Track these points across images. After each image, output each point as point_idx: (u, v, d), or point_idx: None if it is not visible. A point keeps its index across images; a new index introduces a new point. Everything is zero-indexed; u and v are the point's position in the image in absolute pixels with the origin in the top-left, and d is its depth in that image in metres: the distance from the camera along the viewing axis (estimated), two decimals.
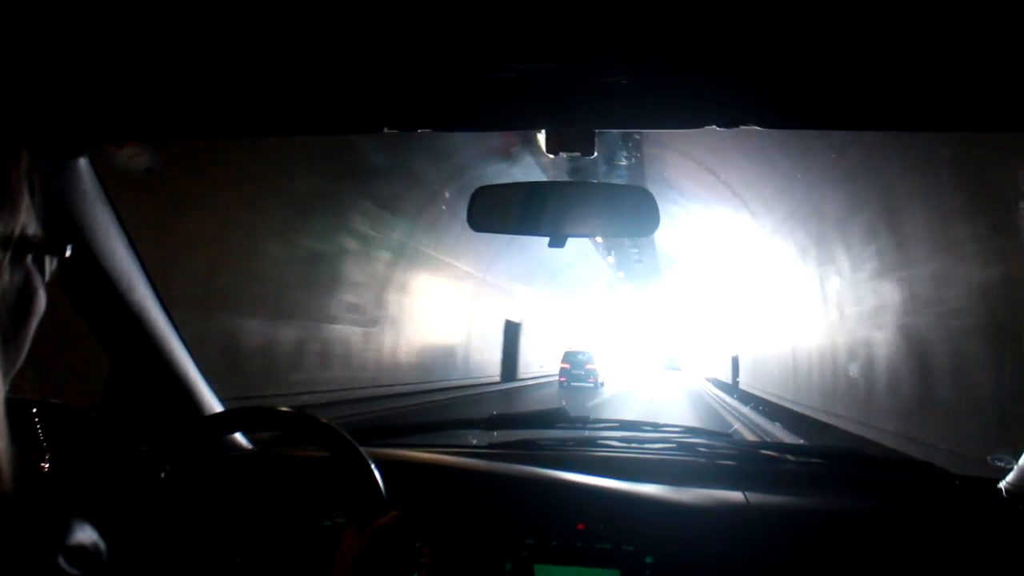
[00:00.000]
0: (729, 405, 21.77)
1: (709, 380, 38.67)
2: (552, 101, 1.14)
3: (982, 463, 1.56)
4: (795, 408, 15.10)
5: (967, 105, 1.12)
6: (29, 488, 0.84)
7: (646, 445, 1.82)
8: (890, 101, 1.13)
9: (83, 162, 1.34)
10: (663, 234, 24.83)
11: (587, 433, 1.93)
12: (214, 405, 1.71)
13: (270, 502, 1.46)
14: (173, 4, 0.93)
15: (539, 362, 34.08)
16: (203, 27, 0.98)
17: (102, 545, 0.74)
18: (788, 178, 11.32)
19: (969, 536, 1.33)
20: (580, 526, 1.35)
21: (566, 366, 30.89)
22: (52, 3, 0.93)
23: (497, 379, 27.14)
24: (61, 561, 0.66)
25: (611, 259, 34.57)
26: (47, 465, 1.40)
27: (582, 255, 29.94)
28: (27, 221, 0.81)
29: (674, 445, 1.81)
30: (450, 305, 21.25)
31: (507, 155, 15.41)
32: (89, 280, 1.41)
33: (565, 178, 16.62)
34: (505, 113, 1.22)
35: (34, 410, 1.38)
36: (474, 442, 1.97)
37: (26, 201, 0.81)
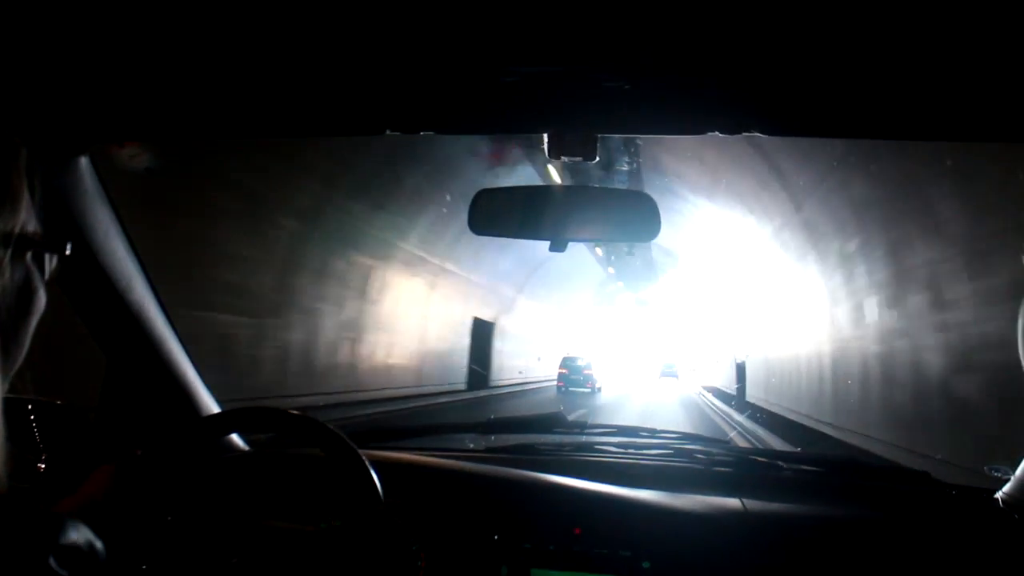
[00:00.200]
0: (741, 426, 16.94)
1: (707, 389, 35.56)
2: (555, 105, 1.14)
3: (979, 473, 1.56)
4: (843, 436, 11.13)
5: (969, 115, 1.12)
6: (26, 488, 0.84)
7: (643, 451, 1.82)
8: (891, 110, 1.14)
9: (84, 161, 1.34)
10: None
11: (584, 438, 1.93)
12: (211, 406, 1.71)
13: (267, 503, 1.46)
14: (177, 4, 0.93)
15: (519, 367, 31.22)
16: (205, 27, 0.98)
17: (98, 545, 0.74)
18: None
19: (965, 546, 1.33)
20: (577, 531, 1.35)
21: (564, 371, 30.70)
22: (53, 3, 0.93)
23: (461, 387, 23.39)
24: (52, 562, 0.66)
25: (599, 251, 31.84)
26: (43, 465, 1.40)
27: (568, 247, 27.44)
28: (27, 219, 0.81)
29: (671, 451, 1.80)
30: (395, 296, 17.40)
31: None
32: (88, 279, 1.41)
33: (560, 174, 16.69)
34: (508, 116, 1.22)
35: (31, 408, 1.38)
36: (471, 446, 1.97)
37: (26, 200, 0.81)
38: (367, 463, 1.21)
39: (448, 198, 15.85)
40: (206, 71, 1.10)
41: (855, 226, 10.34)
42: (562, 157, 1.18)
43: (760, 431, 15.03)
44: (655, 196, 1.31)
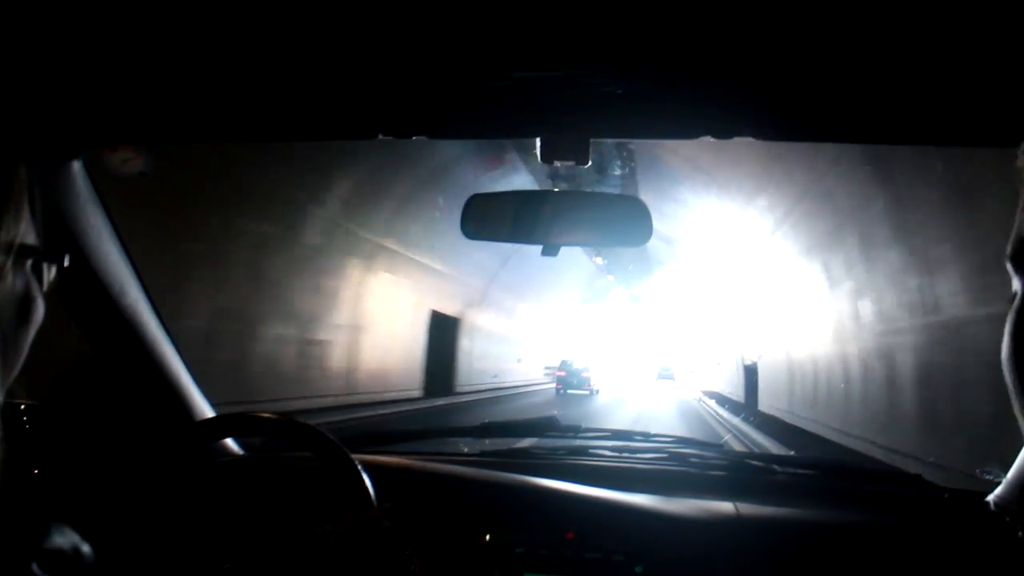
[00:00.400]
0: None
1: (708, 395, 30.89)
2: (547, 109, 1.15)
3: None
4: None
5: (958, 120, 1.13)
6: (18, 492, 0.84)
7: (637, 455, 1.83)
8: (883, 114, 1.14)
9: (76, 165, 1.34)
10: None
11: (578, 442, 1.92)
12: (205, 410, 1.71)
13: (260, 508, 1.46)
14: (167, 7, 0.93)
15: (493, 369, 27.95)
16: (197, 30, 0.98)
17: (85, 549, 0.74)
18: None
19: (957, 549, 1.33)
20: (569, 535, 1.35)
21: (562, 374, 31.38)
22: (43, 7, 0.93)
23: (416, 393, 19.62)
24: (35, 567, 0.65)
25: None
26: (37, 469, 1.39)
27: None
28: (27, 230, 0.81)
29: (665, 455, 1.81)
30: (310, 278, 13.50)
31: None
32: (82, 283, 1.41)
33: (551, 177, 16.11)
34: (500, 121, 1.22)
35: (23, 411, 1.38)
36: (465, 450, 1.97)
37: (27, 210, 0.81)
38: (360, 467, 1.21)
39: (388, 153, 12.44)
40: (197, 74, 1.10)
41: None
42: (555, 161, 1.19)
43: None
44: (651, 183, 1.31)
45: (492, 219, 1.38)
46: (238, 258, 11.24)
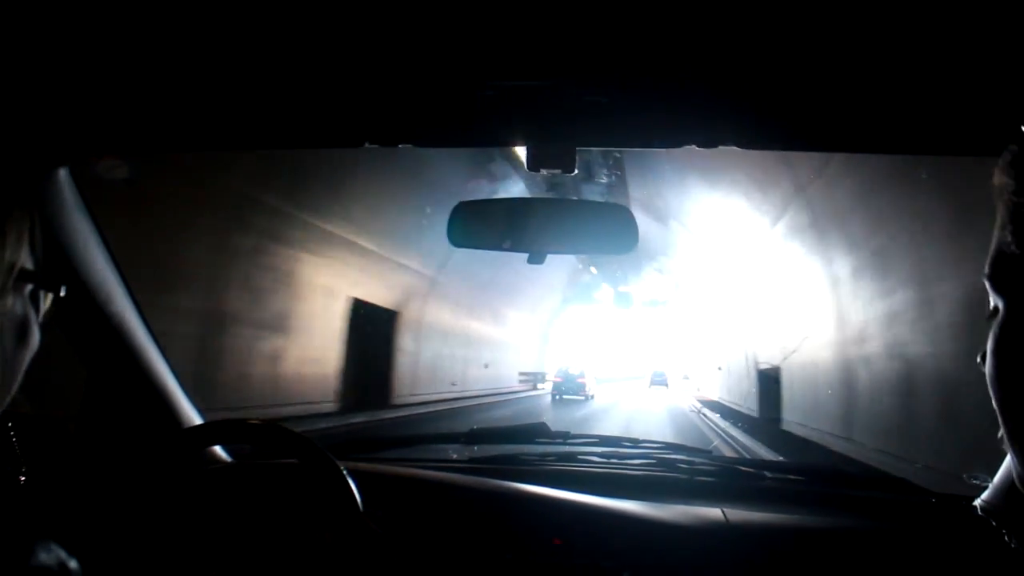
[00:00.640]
0: None
1: (706, 404, 26.96)
2: (534, 119, 1.15)
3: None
4: None
5: (943, 129, 1.14)
6: (3, 508, 0.84)
7: (626, 461, 1.83)
8: (866, 123, 1.15)
9: (63, 173, 1.33)
10: (645, 215, 18.97)
11: (567, 448, 1.93)
12: (193, 417, 1.70)
13: (248, 515, 1.45)
14: (151, 17, 0.93)
15: (450, 376, 23.62)
16: (182, 39, 0.98)
17: (72, 565, 0.73)
18: None
19: (944, 553, 1.34)
20: (557, 541, 1.35)
21: (558, 380, 31.33)
22: (27, 17, 0.93)
23: (330, 407, 14.80)
24: None
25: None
26: (23, 478, 1.38)
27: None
28: (27, 255, 0.82)
29: (654, 461, 1.81)
30: (163, 247, 8.78)
31: None
32: (68, 291, 1.40)
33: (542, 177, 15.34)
34: (487, 130, 1.22)
35: (10, 419, 1.37)
36: (454, 456, 1.97)
37: (27, 234, 0.82)
38: (346, 475, 1.21)
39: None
40: (182, 84, 1.10)
41: None
42: (541, 170, 1.19)
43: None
44: (640, 164, 1.24)
45: (478, 227, 1.38)
46: None
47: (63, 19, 0.94)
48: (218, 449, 1.73)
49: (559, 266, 29.40)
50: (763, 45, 0.95)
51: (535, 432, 1.94)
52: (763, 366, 17.70)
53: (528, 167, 1.19)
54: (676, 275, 28.56)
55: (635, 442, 1.97)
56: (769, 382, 16.82)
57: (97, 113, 1.20)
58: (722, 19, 0.90)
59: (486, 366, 28.44)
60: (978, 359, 0.72)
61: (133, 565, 1.30)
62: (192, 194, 9.24)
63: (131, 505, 1.27)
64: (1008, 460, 1.33)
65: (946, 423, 7.78)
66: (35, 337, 0.86)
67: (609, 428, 18.47)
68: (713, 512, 1.43)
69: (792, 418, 14.84)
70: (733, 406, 23.20)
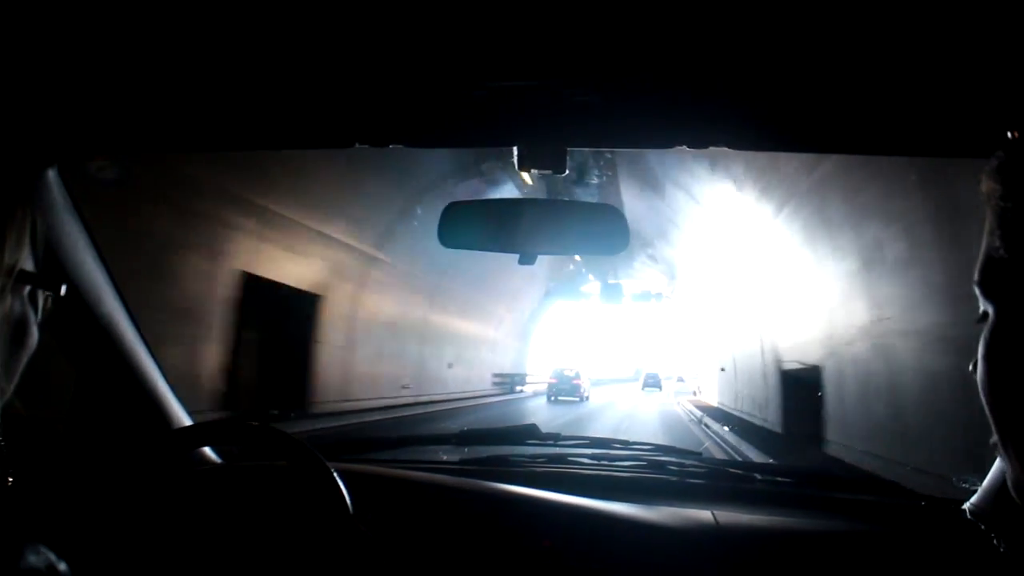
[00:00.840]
0: None
1: (704, 410, 23.77)
2: (524, 119, 1.15)
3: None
4: None
5: (936, 131, 1.14)
6: None
7: (616, 463, 1.83)
8: (858, 124, 1.15)
9: (52, 174, 1.33)
10: (640, 204, 17.86)
11: (557, 450, 1.93)
12: (182, 418, 1.69)
13: (238, 517, 1.45)
14: (142, 17, 0.93)
15: (398, 377, 19.60)
16: (172, 39, 0.98)
17: (62, 568, 0.73)
18: None
19: (933, 557, 1.34)
20: (547, 543, 1.35)
21: (553, 381, 31.35)
22: (15, 17, 0.93)
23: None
24: None
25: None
26: (11, 479, 1.38)
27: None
28: (27, 256, 0.81)
29: (644, 463, 1.81)
30: None
31: None
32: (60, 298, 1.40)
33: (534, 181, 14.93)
34: (477, 130, 1.22)
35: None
36: (444, 458, 1.96)
37: (28, 235, 0.82)
38: (336, 476, 1.21)
39: None
40: (172, 84, 1.10)
41: None
42: (532, 170, 1.19)
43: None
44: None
45: (469, 227, 1.38)
46: None
47: (52, 19, 0.93)
48: (207, 450, 1.73)
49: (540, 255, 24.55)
50: (754, 46, 0.95)
51: (526, 434, 1.94)
52: (789, 366, 13.27)
53: (518, 167, 1.19)
54: (672, 263, 24.57)
55: (625, 444, 1.98)
56: (799, 387, 12.29)
57: (87, 113, 1.20)
58: (714, 20, 0.90)
59: (450, 366, 24.50)
60: (970, 367, 0.72)
61: (123, 567, 1.29)
62: None
63: (120, 507, 1.26)
64: (997, 464, 1.34)
65: None
66: (33, 337, 0.86)
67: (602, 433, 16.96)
68: (703, 514, 1.43)
69: (844, 440, 10.26)
70: (742, 415, 18.50)
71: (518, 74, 1.03)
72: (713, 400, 27.65)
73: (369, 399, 17.00)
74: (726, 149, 1.18)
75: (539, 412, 22.62)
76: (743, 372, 19.73)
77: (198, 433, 1.36)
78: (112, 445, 1.60)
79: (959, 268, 7.17)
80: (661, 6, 0.88)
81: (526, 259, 1.33)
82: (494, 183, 17.35)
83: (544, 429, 1.95)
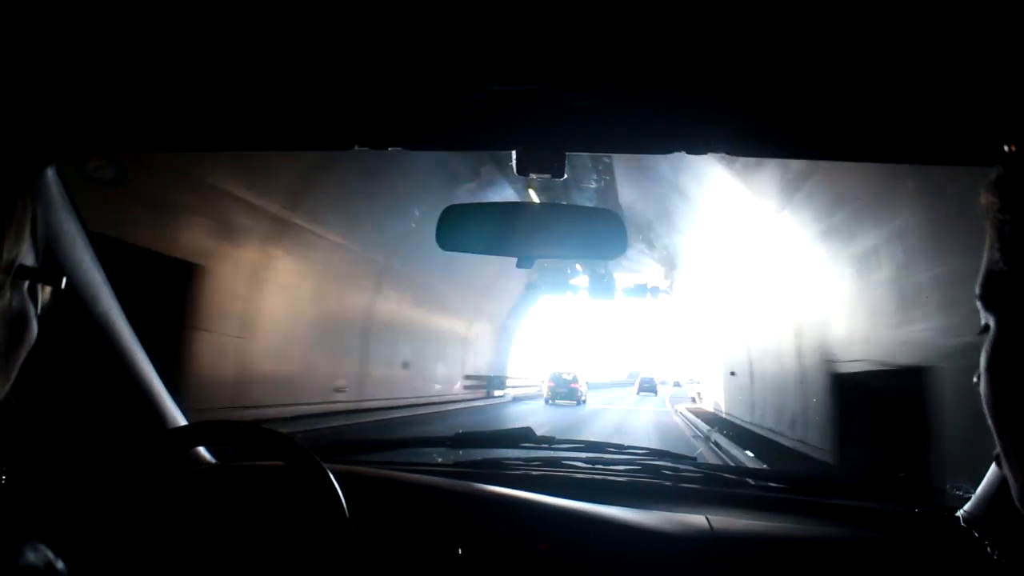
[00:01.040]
0: None
1: (703, 418, 21.49)
2: (523, 123, 1.15)
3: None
4: None
5: (936, 138, 1.14)
6: None
7: (611, 467, 1.83)
8: (858, 132, 1.16)
9: (50, 172, 1.33)
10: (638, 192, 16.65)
11: (552, 453, 1.93)
12: (178, 418, 1.69)
13: (232, 517, 1.45)
14: (143, 16, 0.93)
15: (332, 379, 15.35)
16: (172, 39, 0.98)
17: (59, 565, 0.73)
18: None
19: (927, 564, 1.35)
20: (542, 546, 1.35)
21: (551, 384, 30.91)
22: (13, 15, 0.92)
23: None
24: None
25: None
26: (4, 478, 1.38)
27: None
28: (27, 250, 0.82)
29: (639, 467, 1.81)
30: None
31: None
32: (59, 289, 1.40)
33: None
34: (476, 133, 1.22)
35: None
36: (439, 460, 1.96)
37: (28, 229, 0.82)
38: (331, 477, 1.21)
39: None
40: (172, 83, 1.10)
41: None
42: (530, 174, 1.19)
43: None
44: None
45: (467, 230, 1.39)
46: None
47: (53, 17, 0.93)
48: (202, 450, 1.73)
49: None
50: (754, 52, 0.95)
51: (520, 437, 1.95)
52: (851, 368, 9.53)
53: (517, 171, 1.19)
54: (673, 252, 21.72)
55: (620, 448, 1.98)
56: (872, 399, 8.42)
57: (86, 112, 1.20)
58: (713, 26, 0.91)
59: (405, 365, 19.94)
60: (974, 379, 0.72)
61: (117, 566, 1.29)
62: None
63: (115, 506, 1.26)
64: (991, 472, 1.35)
65: None
66: (32, 333, 0.86)
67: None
68: (697, 519, 1.44)
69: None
70: (761, 431, 15.16)
71: (517, 78, 1.03)
72: (718, 409, 23.26)
73: (279, 405, 12.60)
74: (725, 155, 1.18)
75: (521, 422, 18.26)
76: (764, 377, 15.55)
77: (193, 433, 1.36)
78: (107, 444, 1.59)
79: None
80: (660, 11, 0.89)
81: (524, 263, 1.34)
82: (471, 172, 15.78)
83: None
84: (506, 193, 16.87)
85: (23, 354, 0.85)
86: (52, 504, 1.28)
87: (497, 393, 31.26)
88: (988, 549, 1.29)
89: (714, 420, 20.47)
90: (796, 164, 9.34)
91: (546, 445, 1.96)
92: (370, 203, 14.23)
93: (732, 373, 19.95)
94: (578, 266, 29.00)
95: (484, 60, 1.00)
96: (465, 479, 1.60)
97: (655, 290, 29.01)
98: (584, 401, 31.28)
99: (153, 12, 0.92)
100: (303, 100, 1.14)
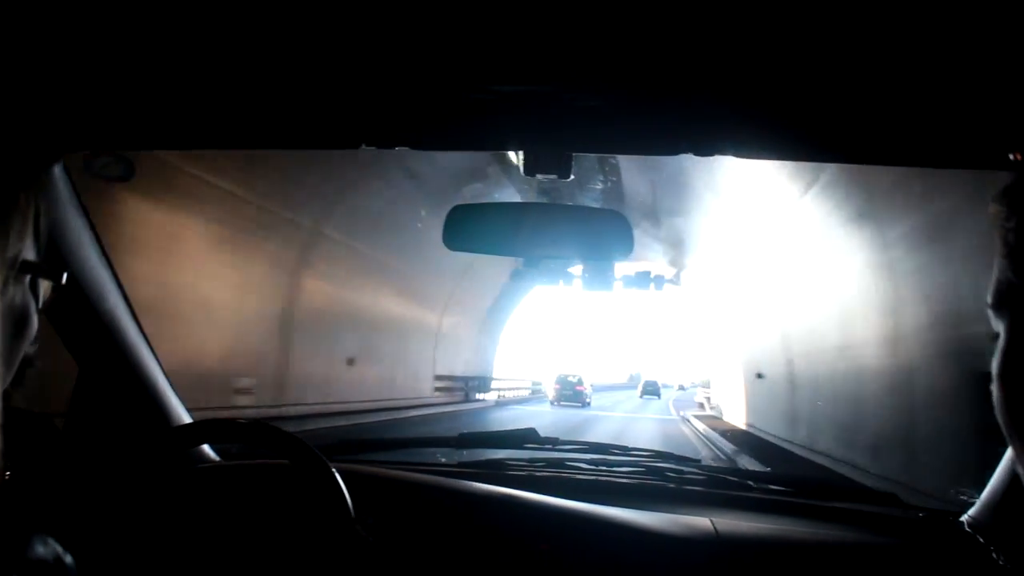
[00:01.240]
0: None
1: (721, 433, 17.19)
2: (529, 124, 1.15)
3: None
4: None
5: (945, 141, 1.14)
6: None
7: (615, 468, 1.83)
8: (867, 134, 1.15)
9: (57, 169, 1.33)
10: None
11: (556, 454, 1.93)
12: (182, 416, 1.70)
13: (236, 516, 1.45)
14: (151, 13, 0.93)
15: (233, 375, 11.78)
16: (180, 35, 0.98)
17: (67, 560, 0.73)
18: None
19: (932, 569, 1.35)
20: (544, 547, 1.35)
21: (557, 387, 30.89)
22: (20, 11, 0.93)
23: None
24: None
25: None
26: (8, 474, 1.38)
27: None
28: (29, 245, 0.82)
29: (643, 469, 1.81)
30: None
31: None
32: (63, 285, 1.40)
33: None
34: (483, 134, 1.23)
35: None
36: (443, 460, 1.97)
37: (31, 224, 0.82)
38: (337, 476, 1.21)
39: None
40: (179, 80, 1.10)
41: None
42: (536, 175, 1.19)
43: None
44: None
45: (474, 230, 1.39)
46: None
47: (60, 13, 0.93)
48: (206, 448, 1.73)
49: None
50: (762, 54, 0.95)
51: (524, 438, 1.95)
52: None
53: (524, 172, 1.19)
54: (683, 234, 18.20)
55: (624, 449, 1.98)
56: None
57: (94, 108, 1.20)
58: (721, 27, 0.91)
59: (351, 362, 16.02)
60: (991, 386, 0.73)
61: (120, 563, 1.29)
62: None
63: (118, 503, 1.26)
64: (996, 476, 1.34)
65: None
66: (34, 328, 0.86)
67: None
68: (701, 521, 1.43)
69: None
70: (815, 457, 11.49)
71: (524, 78, 1.03)
72: (737, 419, 19.84)
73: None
74: (731, 156, 1.18)
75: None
76: (816, 381, 12.00)
77: (197, 431, 1.36)
78: (111, 442, 1.60)
79: None
80: (668, 12, 0.89)
81: (530, 263, 1.34)
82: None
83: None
84: (501, 183, 14.47)
85: (24, 349, 0.86)
86: (57, 500, 1.28)
87: (479, 396, 27.71)
88: (993, 554, 1.29)
89: (735, 434, 16.79)
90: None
91: (550, 446, 1.96)
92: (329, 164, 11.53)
93: (759, 375, 16.34)
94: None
95: (491, 61, 1.00)
96: (469, 479, 1.60)
97: (659, 280, 24.09)
98: (589, 404, 31.27)
99: (163, 9, 0.92)
100: (311, 100, 1.14)
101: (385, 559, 1.34)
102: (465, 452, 1.97)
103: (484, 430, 2.05)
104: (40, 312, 0.87)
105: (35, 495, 1.27)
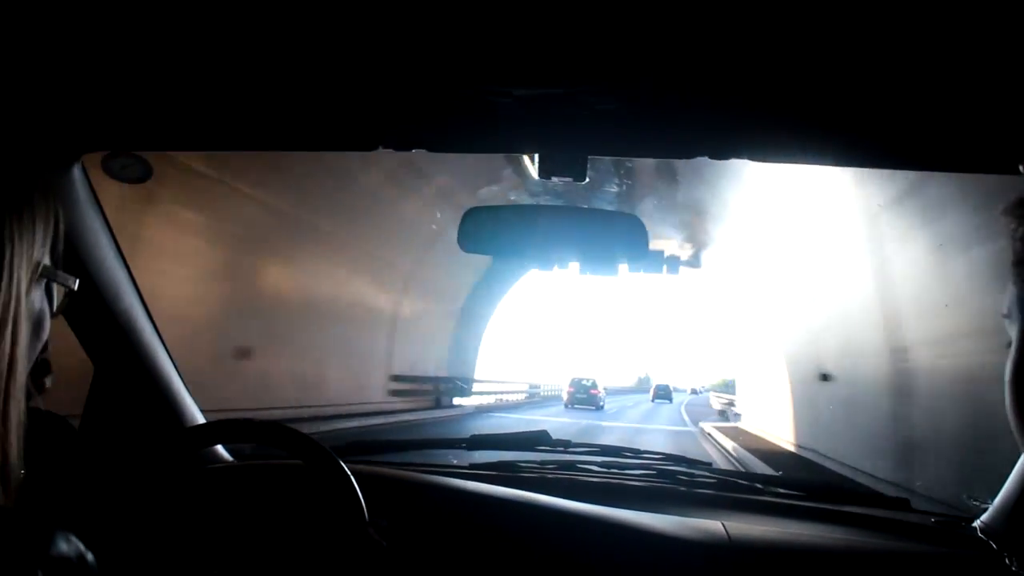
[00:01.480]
0: None
1: (765, 458, 11.97)
2: (546, 126, 1.16)
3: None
4: None
5: (960, 146, 1.14)
6: (24, 498, 0.84)
7: (626, 471, 1.83)
8: (881, 139, 1.15)
9: (76, 169, 1.34)
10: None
11: (568, 457, 1.93)
12: (196, 416, 1.70)
13: (250, 516, 1.45)
14: (171, 15, 0.94)
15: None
16: (200, 37, 0.99)
17: (89, 557, 0.73)
18: None
19: (943, 574, 1.34)
20: (556, 550, 1.35)
21: (571, 389, 30.61)
22: (41, 12, 0.94)
23: None
24: (40, 575, 0.65)
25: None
26: (24, 471, 1.39)
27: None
28: (46, 250, 0.83)
29: (654, 472, 1.81)
30: None
31: None
32: (79, 287, 1.41)
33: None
34: (499, 136, 1.23)
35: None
36: (454, 462, 1.97)
37: (51, 229, 0.83)
38: (351, 477, 1.21)
39: None
40: (200, 82, 1.11)
41: None
42: (552, 177, 1.20)
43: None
44: None
45: (489, 232, 1.39)
46: None
47: (80, 15, 0.94)
48: (220, 449, 1.74)
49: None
50: (778, 59, 0.96)
51: (536, 440, 1.94)
52: None
53: (539, 174, 1.20)
54: (704, 206, 15.06)
55: (636, 452, 1.98)
56: None
57: (112, 110, 1.21)
58: (736, 31, 0.91)
59: (244, 355, 11.37)
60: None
61: (134, 563, 1.30)
62: None
63: (133, 503, 1.27)
64: (1009, 482, 1.34)
65: None
66: (47, 331, 0.87)
67: None
68: (713, 524, 1.43)
69: None
70: None
71: (540, 81, 1.04)
72: (775, 434, 15.84)
73: None
74: (746, 159, 1.18)
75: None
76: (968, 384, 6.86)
77: (212, 431, 1.37)
78: (126, 442, 1.60)
79: None
80: (683, 16, 0.89)
81: (543, 266, 1.34)
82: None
83: None
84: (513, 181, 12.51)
85: (39, 348, 0.87)
86: (73, 499, 1.29)
87: (455, 402, 22.30)
88: (1006, 560, 1.29)
89: (782, 461, 12.07)
90: None
91: (561, 449, 1.96)
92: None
93: (824, 377, 12.13)
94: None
95: (508, 64, 1.01)
96: (480, 481, 1.60)
97: (673, 261, 19.78)
98: (603, 407, 30.87)
99: (185, 11, 0.93)
100: (331, 102, 1.15)
101: (398, 559, 1.35)
102: (476, 454, 1.97)
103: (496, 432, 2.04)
104: (57, 313, 0.88)
105: (53, 494, 1.28)
